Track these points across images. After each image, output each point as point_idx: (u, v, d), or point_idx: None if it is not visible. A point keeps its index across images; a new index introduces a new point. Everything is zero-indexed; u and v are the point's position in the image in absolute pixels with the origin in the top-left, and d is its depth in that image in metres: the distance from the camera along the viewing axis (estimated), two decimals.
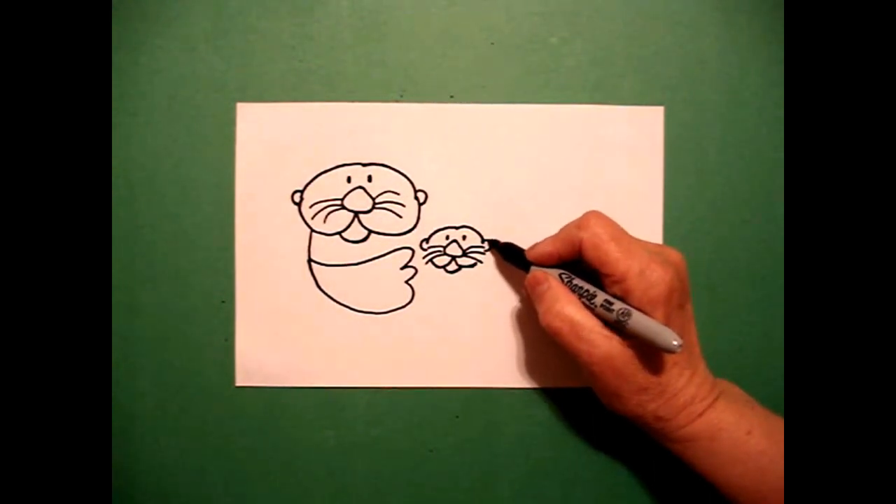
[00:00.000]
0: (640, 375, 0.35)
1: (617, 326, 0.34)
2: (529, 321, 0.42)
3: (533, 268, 0.38)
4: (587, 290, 0.36)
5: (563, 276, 0.37)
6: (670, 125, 0.42)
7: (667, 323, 0.34)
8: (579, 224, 0.37)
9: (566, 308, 0.35)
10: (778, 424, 0.36)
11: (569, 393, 0.42)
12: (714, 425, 0.35)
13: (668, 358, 0.35)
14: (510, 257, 0.41)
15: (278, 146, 0.41)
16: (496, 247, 0.41)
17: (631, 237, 0.36)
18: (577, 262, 0.37)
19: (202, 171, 0.41)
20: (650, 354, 0.35)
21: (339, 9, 0.41)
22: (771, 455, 0.34)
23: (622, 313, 0.34)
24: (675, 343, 0.32)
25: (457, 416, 0.42)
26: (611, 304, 0.34)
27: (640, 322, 0.33)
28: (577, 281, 0.36)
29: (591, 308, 0.35)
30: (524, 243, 0.41)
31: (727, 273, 0.42)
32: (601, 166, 0.42)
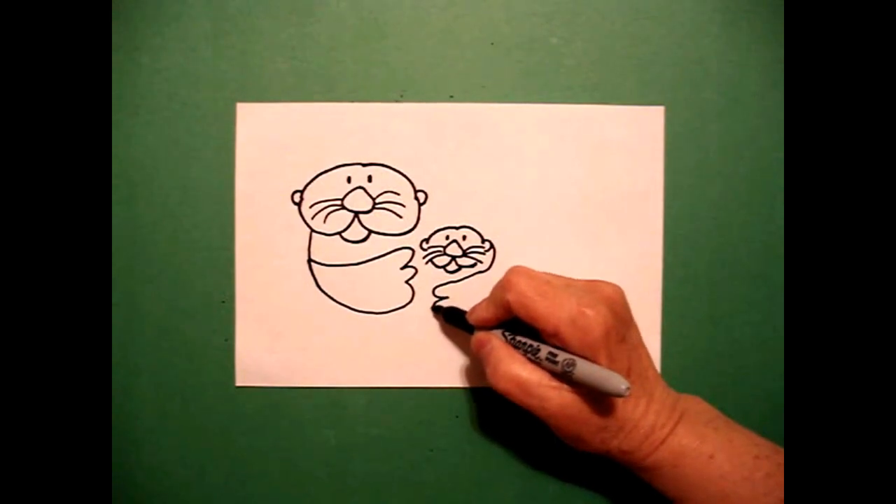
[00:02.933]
0: (596, 417, 0.34)
1: (563, 377, 0.34)
2: None
3: (476, 330, 0.38)
4: (531, 346, 0.35)
5: (506, 334, 0.37)
6: (670, 125, 0.42)
7: (611, 362, 0.34)
8: (503, 285, 0.37)
9: (511, 367, 0.35)
10: (741, 445, 0.35)
11: None
12: (676, 452, 0.35)
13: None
14: (453, 321, 0.41)
15: (278, 146, 0.41)
16: (439, 311, 0.41)
17: (558, 284, 0.36)
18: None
19: (202, 171, 0.41)
20: (602, 395, 0.34)
21: (339, 9, 0.41)
22: (733, 479, 0.34)
23: (567, 364, 0.34)
24: (623, 388, 0.32)
25: (457, 416, 0.42)
26: (555, 355, 0.34)
27: (585, 370, 0.33)
28: (520, 337, 0.36)
29: (536, 362, 0.35)
30: (524, 243, 0.42)
31: (727, 273, 0.42)
32: (601, 166, 0.42)
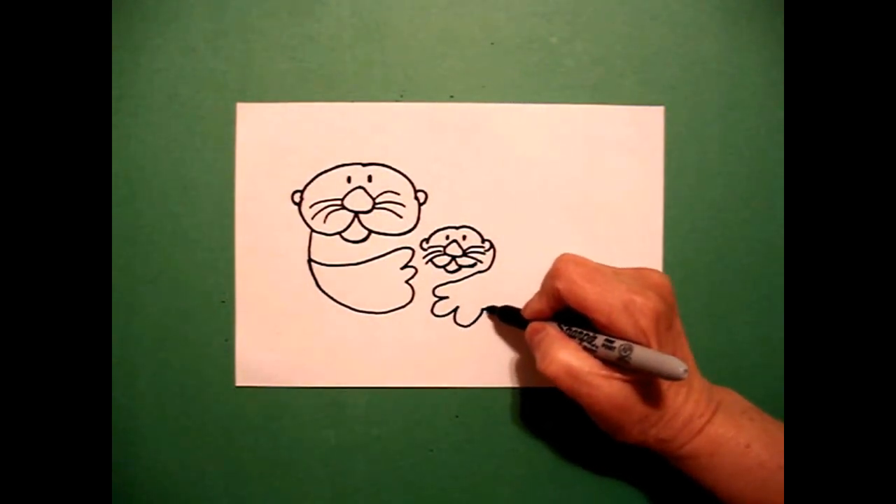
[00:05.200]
0: (641, 405, 0.34)
1: (620, 363, 0.34)
2: None
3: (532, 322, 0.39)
4: (587, 334, 0.35)
5: (562, 326, 0.37)
6: (670, 125, 0.42)
7: (660, 348, 0.34)
8: (552, 273, 0.37)
9: (560, 353, 0.35)
10: (777, 434, 0.35)
11: None
12: (713, 440, 0.35)
13: (665, 381, 0.34)
14: (508, 319, 0.41)
15: (278, 146, 0.41)
16: (494, 312, 0.41)
17: (607, 272, 0.36)
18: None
19: (202, 171, 0.41)
20: (647, 384, 0.34)
21: (339, 9, 0.41)
22: (771, 468, 0.34)
23: (624, 349, 0.33)
24: (681, 370, 0.31)
25: (457, 416, 0.42)
26: (611, 342, 0.34)
27: (643, 355, 0.33)
28: (575, 327, 0.36)
29: (592, 350, 0.35)
30: (524, 243, 0.42)
31: (727, 273, 0.42)
32: (601, 166, 0.42)
